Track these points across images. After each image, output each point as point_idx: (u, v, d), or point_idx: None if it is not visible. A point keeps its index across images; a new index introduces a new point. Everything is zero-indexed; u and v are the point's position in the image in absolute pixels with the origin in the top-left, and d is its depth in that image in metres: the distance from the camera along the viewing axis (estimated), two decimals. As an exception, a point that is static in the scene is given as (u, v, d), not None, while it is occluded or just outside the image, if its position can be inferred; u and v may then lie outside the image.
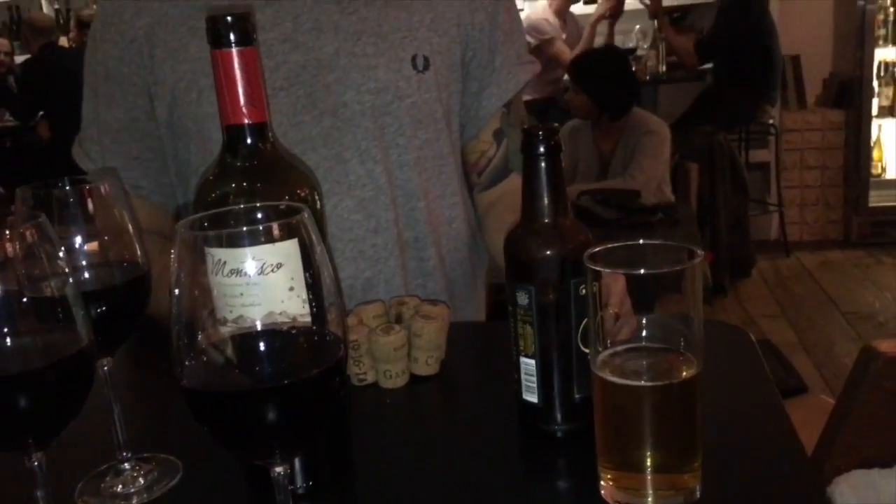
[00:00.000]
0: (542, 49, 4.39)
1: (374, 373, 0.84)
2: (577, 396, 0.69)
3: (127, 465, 0.70)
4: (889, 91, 4.47)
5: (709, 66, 4.32)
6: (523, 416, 0.72)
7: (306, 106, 0.96)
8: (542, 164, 0.67)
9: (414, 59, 0.99)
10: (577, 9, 4.61)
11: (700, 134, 3.88)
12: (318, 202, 0.64)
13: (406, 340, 0.83)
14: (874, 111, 4.45)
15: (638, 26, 4.63)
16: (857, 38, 4.40)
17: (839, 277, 4.13)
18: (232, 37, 0.59)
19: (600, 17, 4.31)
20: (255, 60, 0.60)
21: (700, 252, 0.58)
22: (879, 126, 4.52)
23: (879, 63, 4.45)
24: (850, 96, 4.49)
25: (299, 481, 0.65)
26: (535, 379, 0.69)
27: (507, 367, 0.72)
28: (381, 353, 0.82)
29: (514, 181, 1.07)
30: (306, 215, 0.48)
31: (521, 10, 4.79)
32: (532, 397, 0.70)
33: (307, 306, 0.49)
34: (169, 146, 1.02)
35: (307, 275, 0.48)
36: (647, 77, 4.48)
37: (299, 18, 0.96)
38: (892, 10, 4.40)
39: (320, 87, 0.96)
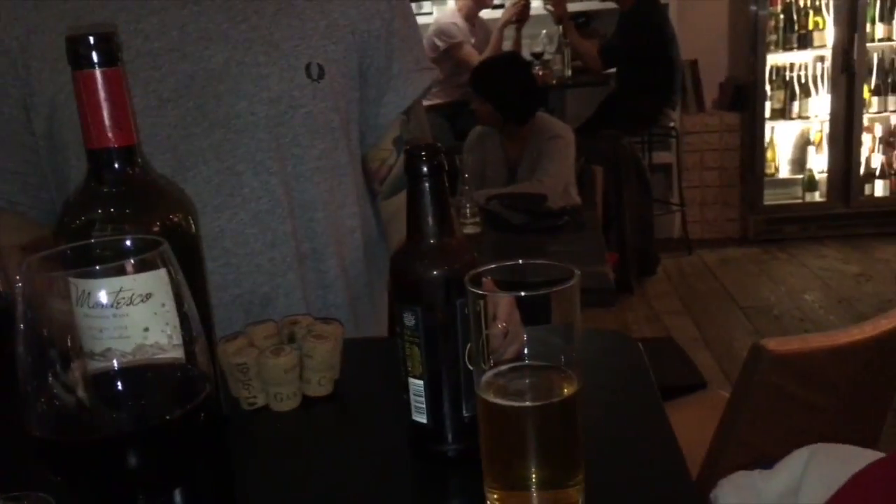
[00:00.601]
0: (450, 53, 4.42)
1: (264, 396, 0.82)
2: (466, 416, 0.69)
3: (-5, 508, 0.66)
4: (781, 94, 4.71)
5: (612, 71, 4.44)
6: (414, 438, 0.72)
7: (196, 118, 0.93)
8: (426, 185, 0.67)
9: (308, 67, 0.97)
10: (486, 13, 4.67)
11: (605, 138, 3.98)
12: (193, 226, 0.62)
13: (297, 361, 0.81)
14: (767, 114, 4.68)
15: (544, 31, 4.72)
16: (750, 43, 4.61)
17: (737, 273, 4.32)
18: (94, 57, 0.57)
19: (507, 22, 4.37)
20: (119, 81, 0.57)
21: (577, 272, 0.59)
22: (772, 128, 4.75)
23: (771, 67, 4.68)
24: (744, 100, 4.70)
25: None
26: (423, 400, 0.69)
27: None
28: (271, 375, 0.80)
29: None
30: (166, 248, 0.46)
31: (430, 13, 4.82)
32: (421, 418, 0.70)
33: (173, 339, 0.47)
34: (48, 160, 0.97)
35: (171, 307, 0.46)
36: (554, 81, 4.57)
37: (186, 28, 0.93)
38: (782, 16, 4.63)
39: (211, 98, 0.93)
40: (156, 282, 0.46)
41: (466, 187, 2.62)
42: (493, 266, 0.61)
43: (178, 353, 0.48)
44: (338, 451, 0.77)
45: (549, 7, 4.53)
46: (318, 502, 0.67)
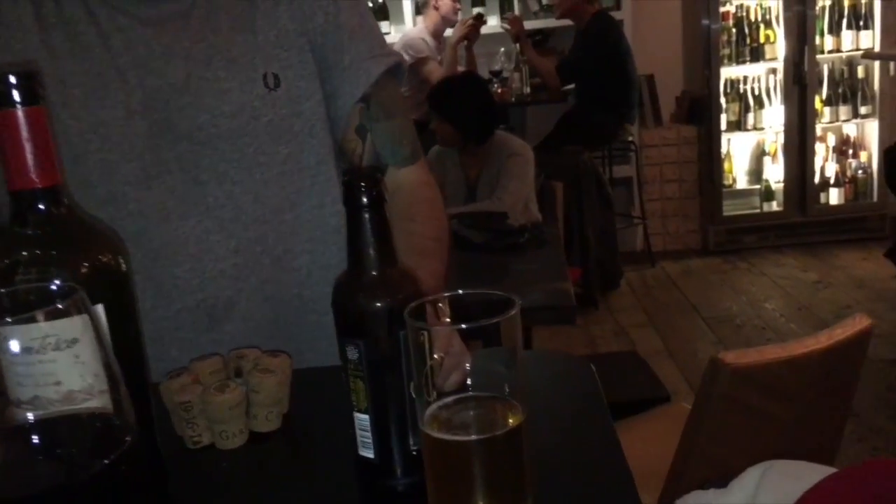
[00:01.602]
0: (415, 68, 4.43)
1: (209, 434, 0.80)
2: (414, 449, 0.68)
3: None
4: (735, 107, 4.79)
5: (571, 87, 4.49)
6: (361, 473, 0.70)
7: (162, 129, 0.97)
8: (365, 216, 0.66)
9: (265, 77, 1.00)
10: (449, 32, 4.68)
11: (565, 153, 4.02)
12: (123, 265, 0.60)
13: (243, 398, 0.79)
14: (723, 126, 4.76)
15: (502, 49, 4.75)
16: (704, 57, 4.70)
17: (700, 284, 4.37)
18: (16, 96, 0.55)
19: (460, 40, 4.38)
20: (42, 120, 0.56)
21: (518, 301, 0.59)
22: (728, 140, 4.84)
23: (725, 80, 4.77)
24: (700, 113, 4.78)
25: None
26: (369, 434, 0.68)
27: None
28: (216, 413, 0.78)
29: (393, 176, 1.08)
30: (81, 295, 0.44)
31: (388, 33, 4.83)
32: (368, 453, 0.68)
33: (94, 387, 0.45)
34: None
35: (89, 354, 0.45)
36: (513, 99, 4.60)
37: (150, 44, 0.97)
38: (734, 30, 4.73)
39: (175, 112, 0.97)
40: (73, 328, 0.44)
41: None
42: (432, 297, 0.60)
43: (103, 400, 0.47)
44: (286, 488, 0.75)
45: (505, 25, 4.57)
46: (265, 544, 0.65)
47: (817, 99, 4.70)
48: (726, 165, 4.83)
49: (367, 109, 1.08)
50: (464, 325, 0.58)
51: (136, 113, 0.96)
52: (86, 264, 0.58)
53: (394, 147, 1.10)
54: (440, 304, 0.64)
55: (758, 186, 4.90)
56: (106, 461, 0.43)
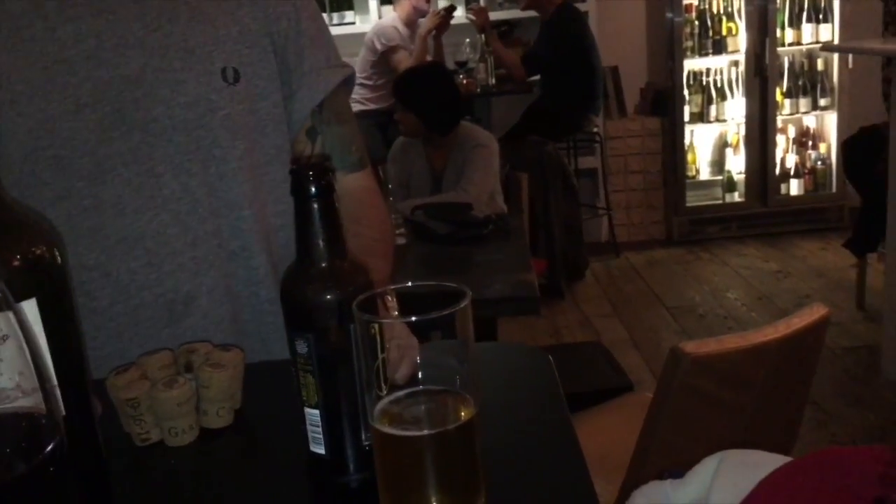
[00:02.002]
0: (386, 56, 4.39)
1: (158, 431, 0.77)
2: (366, 444, 0.67)
3: None
4: (698, 98, 4.84)
5: (536, 78, 4.49)
6: (313, 469, 0.69)
7: (115, 122, 0.95)
8: (315, 206, 0.64)
9: (224, 71, 0.99)
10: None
11: (530, 144, 4.02)
12: (59, 257, 0.57)
13: (192, 393, 0.77)
14: (686, 117, 4.80)
15: (468, 39, 4.73)
16: (667, 49, 4.73)
17: (663, 274, 4.41)
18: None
19: (429, 31, 4.36)
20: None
21: (468, 293, 0.57)
22: (692, 131, 4.88)
23: (689, 73, 4.80)
24: (664, 104, 4.82)
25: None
26: (320, 430, 0.66)
27: (304, 414, 0.68)
28: (164, 409, 0.76)
29: (341, 181, 1.07)
30: (2, 288, 0.42)
31: (353, 22, 4.79)
32: (320, 449, 0.67)
33: (21, 386, 0.43)
34: None
35: (15, 351, 0.43)
36: (479, 90, 4.59)
37: (102, 35, 0.94)
38: (697, 23, 4.76)
39: (128, 103, 0.95)
40: (6, 323, 0.42)
41: (391, 198, 2.60)
42: (379, 290, 0.59)
43: (35, 399, 0.45)
44: (237, 485, 0.73)
45: (471, 16, 4.55)
46: (213, 544, 0.63)
47: (778, 91, 4.76)
48: (689, 156, 4.88)
49: (318, 113, 1.10)
50: (413, 318, 0.57)
51: (86, 106, 0.94)
52: (18, 257, 0.55)
53: (343, 152, 1.12)
54: (389, 298, 0.62)
55: (720, 177, 4.95)
56: (30, 462, 0.41)
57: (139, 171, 0.96)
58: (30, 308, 0.55)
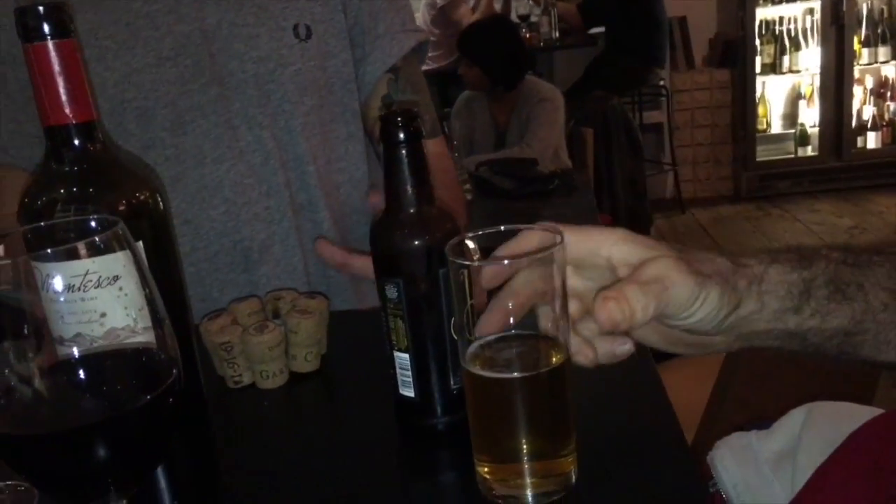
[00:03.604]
0: (445, 12, 4.34)
1: (250, 374, 0.80)
2: (454, 388, 0.67)
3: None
4: (770, 49, 4.65)
5: (600, 31, 4.38)
6: (401, 412, 0.70)
7: (194, 74, 0.98)
8: (403, 152, 0.64)
9: (296, 27, 1.01)
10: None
11: (594, 99, 3.94)
12: (161, 204, 0.59)
13: (282, 338, 0.79)
14: (758, 69, 4.63)
15: (530, -8, 4.64)
16: (738, -2, 4.55)
17: (731, 231, 4.30)
18: (45, 28, 0.54)
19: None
20: (74, 54, 0.55)
21: (563, 233, 0.57)
22: (763, 83, 4.71)
23: (760, 22, 4.62)
24: (734, 55, 4.65)
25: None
26: (410, 373, 0.67)
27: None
28: (256, 353, 0.78)
29: None
30: (122, 228, 0.43)
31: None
32: (409, 392, 0.68)
33: (138, 323, 0.45)
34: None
35: (132, 290, 0.44)
36: (541, 44, 4.51)
37: None
38: (771, -31, 4.56)
39: (205, 57, 0.98)
40: (115, 264, 0.44)
41: (455, 154, 2.59)
42: (474, 234, 0.59)
43: (146, 337, 0.46)
44: (325, 427, 0.75)
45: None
46: (306, 479, 0.66)
47: (856, 39, 4.54)
48: (760, 110, 4.71)
49: (394, 81, 1.11)
50: (506, 261, 0.57)
51: (167, 59, 0.96)
52: (123, 202, 0.57)
53: None
54: (479, 244, 0.62)
55: (792, 131, 4.78)
56: (150, 396, 0.42)
57: (217, 123, 0.99)
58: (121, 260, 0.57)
